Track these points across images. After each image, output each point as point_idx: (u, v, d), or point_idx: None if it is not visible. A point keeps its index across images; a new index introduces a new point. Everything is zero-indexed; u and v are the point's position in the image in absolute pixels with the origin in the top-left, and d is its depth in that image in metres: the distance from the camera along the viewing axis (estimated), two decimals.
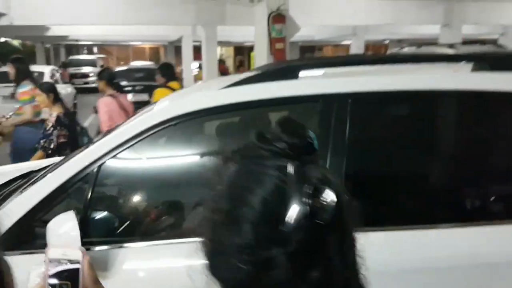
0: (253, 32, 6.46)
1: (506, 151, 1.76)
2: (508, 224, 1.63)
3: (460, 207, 1.75)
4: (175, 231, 1.88)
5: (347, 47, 22.04)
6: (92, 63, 19.46)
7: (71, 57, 21.73)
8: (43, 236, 1.39)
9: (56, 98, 3.98)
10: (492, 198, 1.81)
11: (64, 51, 24.20)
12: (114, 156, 1.68)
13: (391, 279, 1.47)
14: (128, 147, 1.69)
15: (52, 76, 10.65)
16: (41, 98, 3.95)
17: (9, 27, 10.60)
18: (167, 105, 2.01)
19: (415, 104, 1.82)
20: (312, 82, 1.86)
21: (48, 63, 18.10)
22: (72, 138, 3.85)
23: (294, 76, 1.84)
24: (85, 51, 25.83)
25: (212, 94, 1.87)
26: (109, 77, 4.70)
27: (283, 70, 2.04)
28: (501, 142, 1.78)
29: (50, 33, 14.12)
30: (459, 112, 1.82)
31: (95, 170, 1.66)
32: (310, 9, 7.92)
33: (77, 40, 19.28)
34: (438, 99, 1.77)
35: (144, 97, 10.45)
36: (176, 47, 21.13)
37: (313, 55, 27.75)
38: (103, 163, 1.67)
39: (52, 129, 3.76)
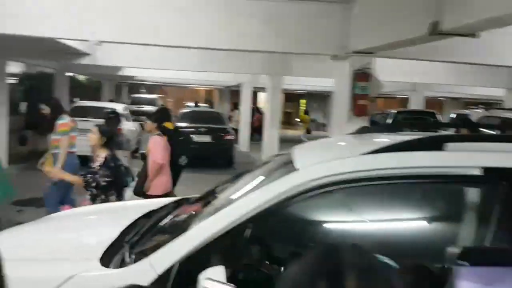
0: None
1: None
2: None
3: None
4: None
5: (401, 99, 22.18)
6: (152, 102, 20.47)
7: (134, 95, 23.02)
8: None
9: (108, 143, 4.12)
10: None
11: (126, 89, 25.62)
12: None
13: None
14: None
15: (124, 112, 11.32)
16: (94, 137, 4.08)
17: (90, 66, 11.54)
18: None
19: None
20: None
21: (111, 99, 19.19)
22: (116, 178, 4.04)
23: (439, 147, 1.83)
24: (145, 90, 27.13)
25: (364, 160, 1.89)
26: (161, 119, 5.43)
27: (428, 140, 2.01)
28: None
29: (120, 72, 15.12)
30: None
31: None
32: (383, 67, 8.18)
33: (142, 81, 20.42)
34: None
35: (207, 138, 10.98)
36: (231, 91, 21.99)
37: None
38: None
39: (98, 168, 3.96)
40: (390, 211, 2.05)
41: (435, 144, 1.85)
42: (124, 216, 2.81)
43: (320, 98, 26.81)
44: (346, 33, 5.66)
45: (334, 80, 6.36)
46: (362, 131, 3.20)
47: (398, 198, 2.02)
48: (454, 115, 11.68)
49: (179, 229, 2.13)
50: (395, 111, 13.28)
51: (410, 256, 1.93)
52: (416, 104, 16.36)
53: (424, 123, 7.91)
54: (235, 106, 19.14)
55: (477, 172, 1.73)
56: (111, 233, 2.39)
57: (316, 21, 5.74)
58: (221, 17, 5.74)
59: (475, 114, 9.92)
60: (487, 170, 1.74)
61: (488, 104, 14.77)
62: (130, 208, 3.31)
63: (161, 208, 2.98)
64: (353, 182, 1.86)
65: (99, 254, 2.09)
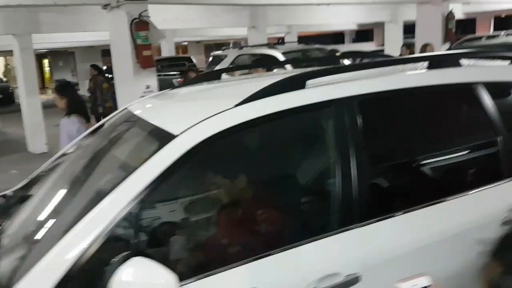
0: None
1: None
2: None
3: None
4: None
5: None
6: None
7: None
8: None
9: None
10: None
11: None
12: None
13: None
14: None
15: None
16: None
17: None
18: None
19: None
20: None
21: None
22: None
23: None
24: None
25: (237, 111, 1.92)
26: None
27: None
28: None
29: None
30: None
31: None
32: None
33: None
34: None
35: None
36: None
37: None
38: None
39: None
40: (271, 147, 2.19)
41: (299, 84, 2.04)
42: None
43: (65, 55, 24.54)
44: None
45: (109, 32, 5.95)
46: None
47: (273, 136, 2.15)
48: (210, 58, 12.47)
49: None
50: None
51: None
52: (169, 51, 16.79)
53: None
54: None
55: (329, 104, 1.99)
56: None
57: None
58: None
59: (231, 53, 10.86)
60: (336, 101, 2.00)
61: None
62: None
63: None
64: (233, 133, 1.88)
65: None
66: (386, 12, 13.82)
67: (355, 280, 1.83)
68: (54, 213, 2.03)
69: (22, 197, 2.48)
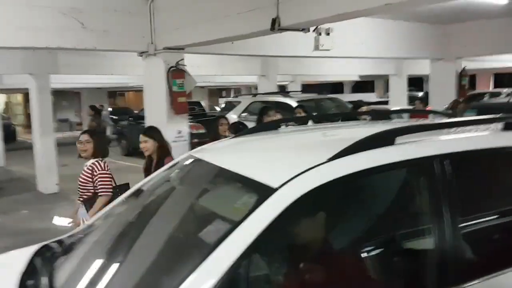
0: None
1: None
2: None
3: None
4: None
5: None
6: None
7: None
8: None
9: None
10: None
11: None
12: None
13: None
14: None
15: None
16: None
17: None
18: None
19: None
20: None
21: None
22: None
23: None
24: None
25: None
26: None
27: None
28: None
29: None
30: None
31: None
32: None
33: None
34: None
35: None
36: None
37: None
38: None
39: None
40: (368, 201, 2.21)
41: (388, 140, 2.08)
42: None
43: (71, 95, 24.69)
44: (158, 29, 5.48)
45: (144, 77, 6.07)
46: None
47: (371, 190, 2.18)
48: (223, 104, 12.65)
49: None
50: None
51: None
52: None
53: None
54: None
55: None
56: None
57: (122, 16, 5.35)
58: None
59: (245, 100, 11.04)
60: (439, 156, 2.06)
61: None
62: None
63: None
64: (327, 188, 1.89)
65: None
66: (391, 66, 14.29)
67: None
68: (159, 265, 1.99)
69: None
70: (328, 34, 6.45)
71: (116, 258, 2.20)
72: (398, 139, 2.13)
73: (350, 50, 7.42)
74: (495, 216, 2.26)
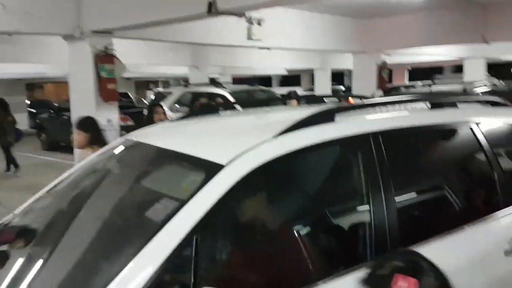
0: None
1: None
2: None
3: None
4: None
5: None
6: None
7: None
8: None
9: None
10: None
11: None
12: None
13: None
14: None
15: None
16: None
17: None
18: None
19: None
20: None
21: None
22: None
23: None
24: None
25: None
26: None
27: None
28: None
29: None
30: None
31: None
32: None
33: None
34: None
35: None
36: None
37: None
38: None
39: None
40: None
41: (328, 117, 2.15)
42: None
43: None
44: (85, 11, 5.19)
45: (69, 63, 5.73)
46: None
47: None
48: (152, 95, 12.32)
49: None
50: None
51: None
52: None
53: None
54: None
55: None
56: None
57: None
58: None
59: (176, 90, 10.86)
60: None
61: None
62: None
63: None
64: (275, 164, 1.91)
65: None
66: (316, 60, 14.79)
67: None
68: (98, 252, 1.90)
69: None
70: (259, 24, 6.50)
71: (45, 251, 2.05)
72: (338, 117, 2.21)
73: (280, 41, 7.56)
74: (426, 187, 2.42)
